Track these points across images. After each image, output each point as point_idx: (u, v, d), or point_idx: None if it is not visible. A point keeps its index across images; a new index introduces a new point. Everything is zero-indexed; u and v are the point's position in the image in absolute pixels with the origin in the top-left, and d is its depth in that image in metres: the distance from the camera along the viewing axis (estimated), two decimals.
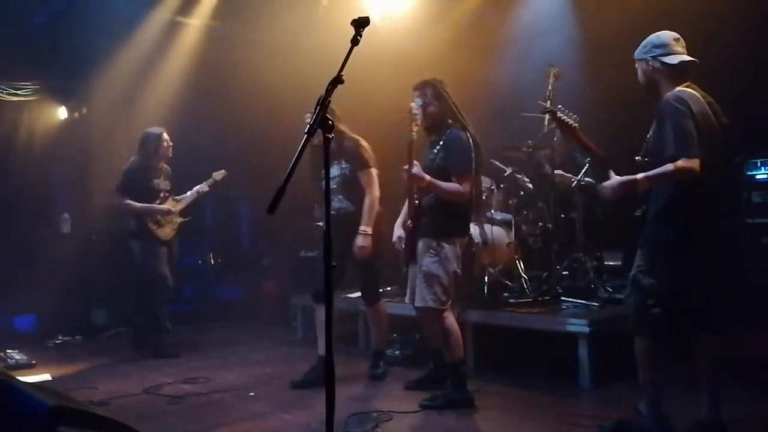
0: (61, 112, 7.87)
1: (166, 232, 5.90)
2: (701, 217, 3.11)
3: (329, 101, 2.30)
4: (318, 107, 2.29)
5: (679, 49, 3.25)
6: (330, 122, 2.29)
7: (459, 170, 4.01)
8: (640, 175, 3.15)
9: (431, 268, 4.00)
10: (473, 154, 4.05)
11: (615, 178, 3.23)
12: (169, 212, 5.89)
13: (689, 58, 3.23)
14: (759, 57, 4.90)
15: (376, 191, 4.67)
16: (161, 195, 5.90)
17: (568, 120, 3.39)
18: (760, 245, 4.58)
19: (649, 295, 3.18)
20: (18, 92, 7.31)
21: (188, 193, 6.09)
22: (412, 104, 4.08)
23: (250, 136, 7.82)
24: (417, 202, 4.14)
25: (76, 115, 7.89)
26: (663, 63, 3.22)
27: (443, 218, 4.06)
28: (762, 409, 3.79)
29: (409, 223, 4.19)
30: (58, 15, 6.68)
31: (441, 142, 4.08)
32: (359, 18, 2.36)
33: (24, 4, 6.57)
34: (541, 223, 5.61)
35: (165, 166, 6.04)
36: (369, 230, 4.58)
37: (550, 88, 5.21)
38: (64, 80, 7.54)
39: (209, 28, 7.28)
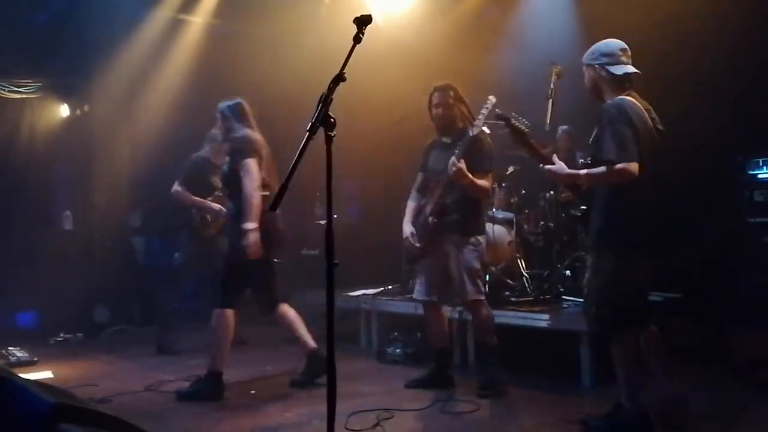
0: (63, 110, 7.87)
1: (210, 231, 5.82)
2: (645, 215, 3.26)
3: (331, 99, 2.30)
4: (320, 105, 2.29)
5: (625, 59, 3.40)
6: (332, 120, 2.29)
7: (487, 169, 4.26)
8: (582, 171, 3.38)
9: (473, 263, 4.24)
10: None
11: (561, 164, 3.46)
12: (218, 213, 5.72)
13: (633, 70, 3.37)
14: (760, 57, 4.89)
15: (251, 184, 4.26)
16: (215, 193, 5.77)
17: (520, 126, 3.56)
18: (762, 244, 4.57)
19: (607, 295, 3.28)
20: (20, 90, 7.31)
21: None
22: (490, 98, 4.13)
23: None
24: (442, 200, 4.21)
25: (78, 112, 7.89)
26: (608, 72, 3.37)
27: (473, 214, 4.32)
28: (762, 409, 3.78)
29: (431, 219, 4.24)
30: (60, 13, 6.68)
31: (460, 143, 4.17)
32: (361, 16, 2.36)
33: (25, 2, 6.57)
34: (542, 222, 5.61)
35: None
36: (251, 225, 4.18)
37: (552, 86, 5.20)
38: (65, 78, 7.54)
39: (211, 26, 7.28)
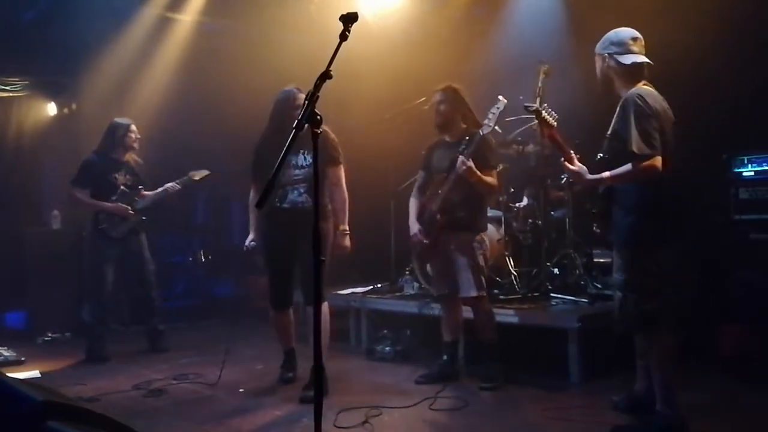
0: (51, 108, 7.81)
1: (120, 230, 5.70)
2: (670, 209, 3.23)
3: (318, 96, 2.30)
4: (306, 102, 2.30)
5: (636, 48, 3.32)
6: (318, 117, 2.29)
7: (492, 165, 4.40)
8: (605, 174, 3.24)
9: (479, 260, 4.36)
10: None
11: (582, 167, 3.34)
12: (120, 211, 5.66)
13: (642, 60, 3.29)
14: (745, 56, 4.93)
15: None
16: (119, 190, 5.70)
17: (549, 119, 3.43)
18: (748, 241, 4.61)
19: (647, 291, 3.22)
20: (7, 88, 7.27)
21: (158, 189, 5.87)
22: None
23: (241, 132, 7.77)
24: (448, 197, 4.32)
25: (65, 111, 7.84)
26: (617, 62, 3.31)
27: (479, 212, 4.47)
28: (755, 403, 3.83)
29: (438, 216, 4.36)
30: (47, 11, 6.64)
31: (465, 142, 4.28)
32: (348, 13, 2.37)
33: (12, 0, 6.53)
34: (531, 220, 5.62)
35: (134, 160, 5.86)
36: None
37: (540, 85, 5.21)
38: (53, 76, 7.49)
39: (199, 24, 7.25)
